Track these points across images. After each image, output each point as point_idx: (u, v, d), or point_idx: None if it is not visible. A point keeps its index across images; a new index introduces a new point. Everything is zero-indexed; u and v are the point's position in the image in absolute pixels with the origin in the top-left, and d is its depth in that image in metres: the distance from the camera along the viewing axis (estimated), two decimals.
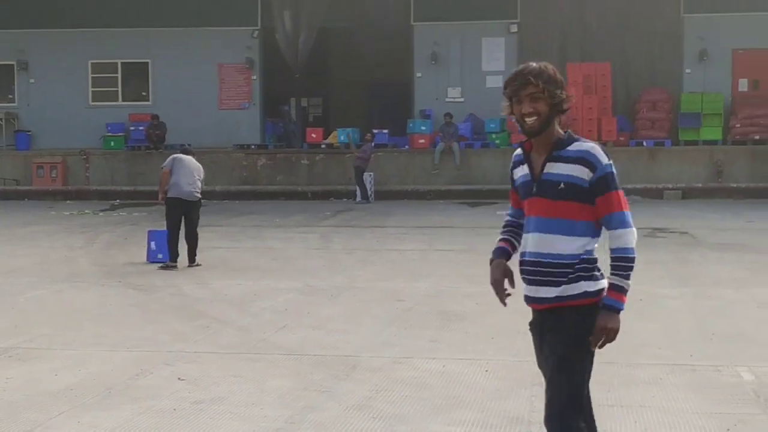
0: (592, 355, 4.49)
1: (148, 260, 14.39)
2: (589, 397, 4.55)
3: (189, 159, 14.35)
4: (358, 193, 25.40)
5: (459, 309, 10.58)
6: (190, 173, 14.15)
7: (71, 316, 10.45)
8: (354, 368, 8.02)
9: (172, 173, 14.06)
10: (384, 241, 17.08)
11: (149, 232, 14.81)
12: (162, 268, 13.79)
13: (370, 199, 25.45)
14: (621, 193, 4.44)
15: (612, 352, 8.41)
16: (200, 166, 14.50)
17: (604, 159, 4.45)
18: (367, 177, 25.97)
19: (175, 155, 14.52)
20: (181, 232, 14.07)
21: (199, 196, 14.26)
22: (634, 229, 4.43)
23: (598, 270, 4.45)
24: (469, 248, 15.94)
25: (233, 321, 10.11)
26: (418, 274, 13.30)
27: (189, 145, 27.82)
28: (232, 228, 19.42)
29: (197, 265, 13.99)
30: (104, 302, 11.32)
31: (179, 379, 7.70)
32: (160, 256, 14.28)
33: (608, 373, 7.77)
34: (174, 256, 13.91)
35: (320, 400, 7.11)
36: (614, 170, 4.46)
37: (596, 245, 4.48)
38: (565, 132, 4.61)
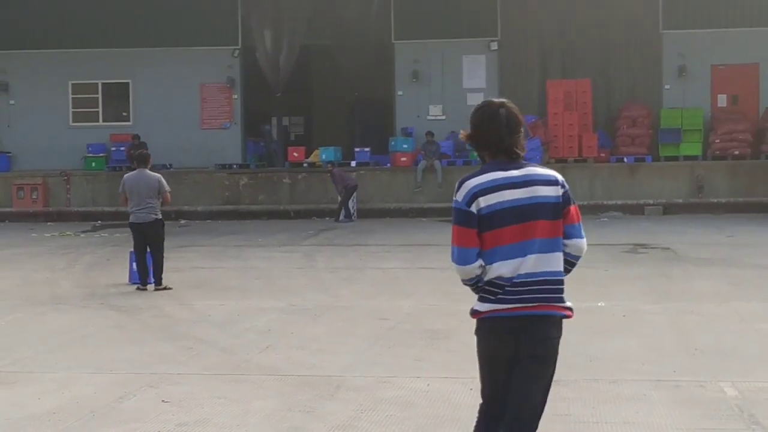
0: None
1: (130, 281, 14.33)
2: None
3: (135, 178, 13.85)
4: (342, 212, 25.38)
5: (443, 327, 10.57)
6: (139, 196, 13.76)
7: (53, 339, 10.40)
8: (338, 388, 8.00)
9: (128, 198, 13.88)
10: (367, 260, 17.08)
11: (131, 253, 14.71)
12: (138, 289, 13.71)
13: (353, 217, 25.45)
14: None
15: (596, 369, 8.46)
16: (155, 178, 13.84)
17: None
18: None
19: (125, 176, 14.18)
20: None
21: (154, 216, 13.79)
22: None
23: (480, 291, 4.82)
24: (452, 266, 15.90)
25: (216, 342, 10.07)
26: (402, 292, 13.29)
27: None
28: (214, 248, 19.37)
29: (165, 288, 13.60)
30: (86, 324, 11.27)
31: (163, 401, 7.67)
32: None
33: (592, 390, 7.79)
34: (142, 279, 13.72)
35: (305, 421, 7.10)
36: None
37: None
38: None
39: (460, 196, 4.74)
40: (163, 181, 13.92)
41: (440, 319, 11.05)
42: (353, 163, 27.60)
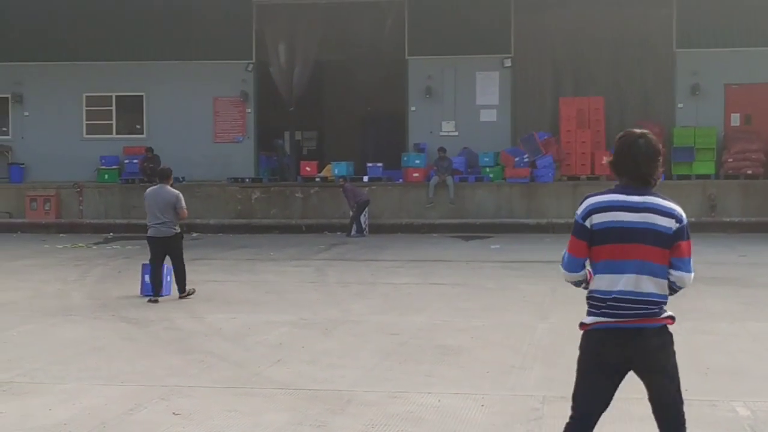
0: None
1: (141, 294, 14.35)
2: None
3: (154, 193, 14.09)
4: (354, 227, 25.38)
5: (454, 343, 10.56)
6: (153, 212, 13.99)
7: (64, 350, 10.41)
8: (349, 403, 8.00)
9: (146, 211, 14.17)
10: (378, 275, 17.07)
11: (143, 265, 14.75)
12: (149, 301, 13.81)
13: (365, 232, 25.44)
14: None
15: None
16: (173, 195, 14.00)
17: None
18: None
19: (147, 190, 14.43)
20: None
21: (169, 230, 13.96)
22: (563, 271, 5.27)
23: (587, 304, 5.22)
24: (463, 282, 15.93)
25: (227, 355, 10.08)
26: (413, 307, 13.28)
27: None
28: (226, 261, 19.39)
29: (188, 294, 14.03)
30: (98, 336, 11.28)
31: (174, 413, 7.67)
32: None
33: None
34: (155, 290, 13.87)
35: None
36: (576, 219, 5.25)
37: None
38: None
39: (579, 210, 5.20)
40: (181, 198, 14.08)
41: (451, 335, 11.03)
42: (365, 179, 27.63)
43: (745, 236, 24.05)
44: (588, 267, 5.20)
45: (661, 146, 5.24)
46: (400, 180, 27.79)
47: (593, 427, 5.22)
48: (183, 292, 14.07)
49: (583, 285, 5.24)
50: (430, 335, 11.10)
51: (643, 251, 5.03)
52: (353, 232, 25.21)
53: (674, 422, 5.20)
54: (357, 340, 10.85)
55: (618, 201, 5.10)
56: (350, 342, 10.78)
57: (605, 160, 5.35)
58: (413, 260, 19.37)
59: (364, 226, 25.59)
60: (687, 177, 26.71)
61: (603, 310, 5.07)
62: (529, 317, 12.33)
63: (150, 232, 14.06)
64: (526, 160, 27.08)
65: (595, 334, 5.12)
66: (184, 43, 29.85)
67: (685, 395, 8.24)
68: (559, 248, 19.01)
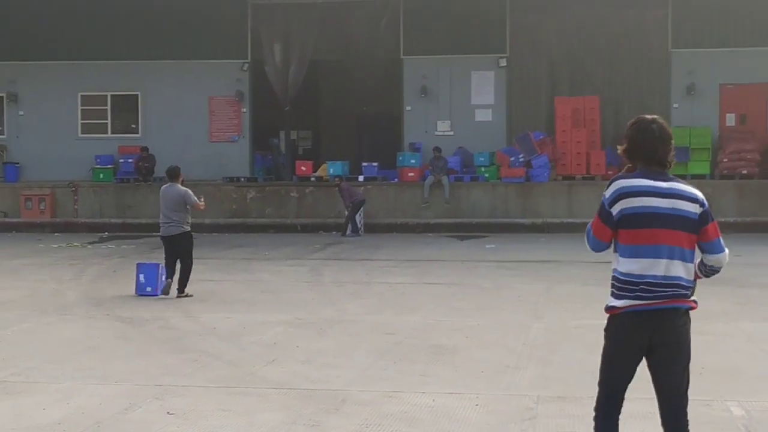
0: None
1: (136, 293, 14.35)
2: None
3: (165, 192, 14.48)
4: (349, 226, 25.37)
5: (449, 343, 10.56)
6: (163, 212, 14.42)
7: (59, 349, 10.40)
8: (343, 402, 8.00)
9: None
10: (373, 275, 17.07)
11: (138, 264, 14.78)
12: (162, 293, 14.17)
13: (360, 232, 25.44)
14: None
15: None
16: (180, 193, 14.36)
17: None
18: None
19: (162, 188, 14.76)
20: None
21: (177, 229, 14.29)
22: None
23: (613, 287, 5.31)
24: (458, 282, 15.94)
25: (222, 355, 10.07)
26: (408, 307, 13.28)
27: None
28: (221, 261, 19.38)
29: (185, 296, 14.12)
30: (92, 335, 11.27)
31: (168, 413, 7.67)
32: (149, 289, 14.29)
33: None
34: (169, 273, 14.31)
35: None
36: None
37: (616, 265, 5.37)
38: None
39: (607, 194, 5.28)
40: (190, 193, 14.40)
41: (446, 335, 11.03)
42: (361, 178, 27.63)
43: (740, 236, 24.02)
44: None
45: (671, 131, 5.37)
46: (396, 179, 27.79)
47: (622, 404, 5.39)
48: (182, 292, 14.15)
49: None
50: (424, 335, 11.10)
51: (673, 236, 5.16)
52: (348, 232, 25.20)
53: (678, 404, 5.30)
54: (352, 340, 10.85)
55: (647, 186, 5.20)
56: (345, 341, 10.78)
57: (619, 148, 5.41)
58: (408, 260, 19.37)
59: (359, 225, 25.58)
60: (682, 177, 26.19)
61: (637, 293, 5.17)
62: (524, 317, 12.33)
63: (160, 231, 14.57)
64: (521, 159, 27.08)
65: (628, 317, 5.21)
66: (180, 43, 29.82)
67: None
68: (554, 248, 19.12)
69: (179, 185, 14.55)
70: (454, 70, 28.91)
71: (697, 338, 10.76)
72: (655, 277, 5.15)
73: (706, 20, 28.06)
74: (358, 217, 25.60)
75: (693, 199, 5.23)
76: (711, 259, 5.29)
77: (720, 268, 5.34)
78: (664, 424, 5.34)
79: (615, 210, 5.22)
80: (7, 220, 28.17)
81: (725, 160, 26.73)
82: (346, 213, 25.48)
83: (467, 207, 26.95)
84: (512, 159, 27.13)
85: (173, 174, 14.74)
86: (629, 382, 5.37)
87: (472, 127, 28.72)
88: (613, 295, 5.27)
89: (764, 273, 16.91)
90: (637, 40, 28.39)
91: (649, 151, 5.25)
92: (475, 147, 28.02)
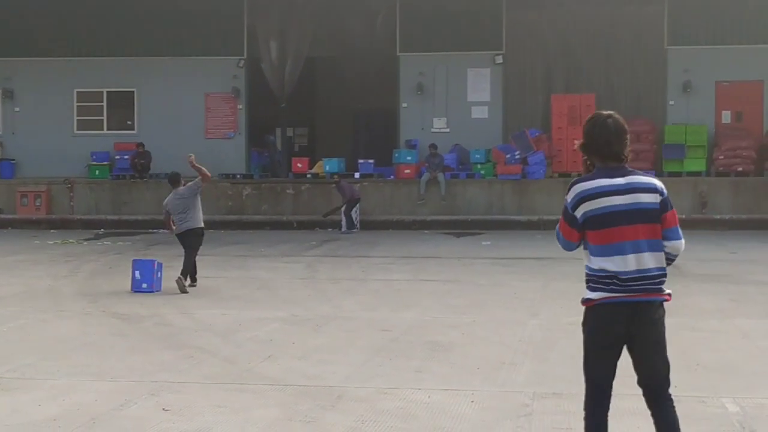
0: None
1: (132, 289, 14.35)
2: None
3: (172, 199, 15.08)
4: (344, 222, 25.39)
5: (444, 339, 10.57)
6: (179, 212, 15.02)
7: (55, 346, 10.39)
8: (339, 399, 8.00)
9: (173, 215, 15.10)
10: (369, 271, 17.07)
11: (134, 261, 14.78)
12: (189, 286, 14.62)
13: (356, 228, 25.44)
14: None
15: None
16: (182, 192, 15.07)
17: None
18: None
19: (165, 201, 15.39)
20: None
21: (194, 225, 15.06)
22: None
23: (588, 282, 5.43)
24: (454, 278, 15.95)
25: (218, 351, 10.07)
26: (404, 304, 13.29)
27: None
28: (217, 257, 19.37)
29: (193, 285, 14.77)
30: (88, 332, 11.27)
31: (164, 409, 7.66)
32: (144, 285, 14.28)
33: None
34: (191, 276, 14.91)
35: (305, 431, 7.09)
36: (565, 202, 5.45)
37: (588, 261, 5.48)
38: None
39: (569, 198, 5.40)
40: (192, 184, 15.16)
41: (442, 331, 11.04)
42: (357, 175, 27.64)
43: (735, 233, 24.10)
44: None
45: (626, 125, 5.45)
46: (392, 176, 27.81)
47: (610, 396, 5.50)
48: (193, 281, 14.85)
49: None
50: (420, 331, 11.10)
51: (637, 230, 5.29)
52: (344, 228, 25.21)
53: (661, 392, 5.45)
54: (348, 337, 10.85)
55: (605, 186, 5.31)
56: (341, 338, 10.78)
57: (576, 144, 5.58)
58: (404, 257, 19.38)
59: (355, 222, 25.60)
60: (678, 174, 26.75)
61: (611, 287, 5.30)
62: (520, 314, 12.34)
63: (175, 230, 15.12)
64: (517, 156, 27.10)
65: (603, 308, 5.33)
66: (176, 39, 29.81)
67: (674, 391, 8.26)
68: (551, 245, 19.04)
69: (181, 187, 15.15)
70: (451, 67, 28.92)
71: (693, 335, 10.85)
72: (627, 272, 5.28)
73: (702, 17, 28.10)
74: (354, 214, 25.62)
75: (652, 190, 5.35)
76: (668, 246, 5.38)
77: (676, 254, 5.43)
78: (651, 407, 5.48)
79: (578, 213, 5.35)
80: (2, 216, 28.16)
81: (721, 157, 26.77)
82: (343, 209, 25.49)
83: (463, 204, 26.97)
84: (508, 156, 27.15)
85: (173, 181, 15.32)
86: (613, 375, 5.45)
87: (468, 124, 28.72)
88: (588, 288, 5.38)
89: (759, 270, 16.93)
90: (633, 37, 28.42)
91: (604, 145, 5.35)
92: (471, 144, 28.04)
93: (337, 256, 19.91)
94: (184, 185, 15.20)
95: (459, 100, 28.95)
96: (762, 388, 8.39)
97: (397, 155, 28.16)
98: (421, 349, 10.09)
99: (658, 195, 5.36)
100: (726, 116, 28.29)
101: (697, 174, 26.67)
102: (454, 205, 26.97)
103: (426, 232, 25.34)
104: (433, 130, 28.92)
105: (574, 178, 5.47)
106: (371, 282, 15.63)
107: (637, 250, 5.28)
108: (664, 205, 5.38)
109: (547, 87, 28.91)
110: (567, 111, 27.62)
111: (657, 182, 5.42)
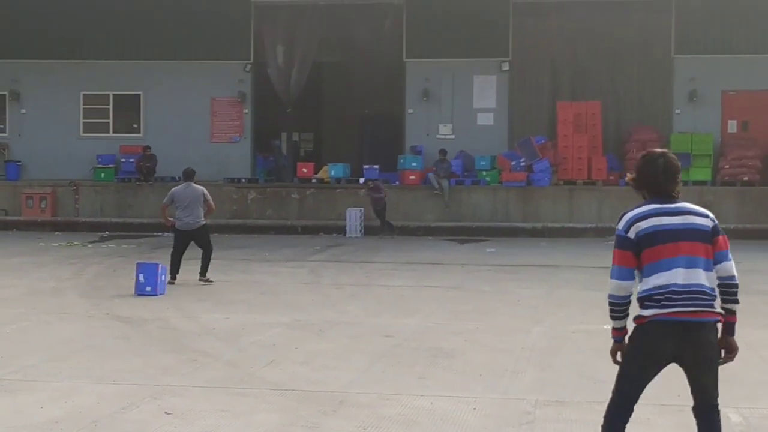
0: None
1: (136, 293, 14.35)
2: None
3: (184, 190, 15.80)
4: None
5: (447, 346, 10.55)
6: (185, 206, 15.69)
7: (58, 348, 10.40)
8: (341, 404, 7.99)
9: (175, 207, 15.81)
10: (373, 277, 17.07)
11: (138, 264, 14.77)
12: (168, 282, 14.94)
13: (360, 233, 25.52)
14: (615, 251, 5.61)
15: (600, 391, 8.43)
16: (200, 191, 15.82)
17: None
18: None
19: (174, 189, 16.10)
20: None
21: (200, 222, 15.77)
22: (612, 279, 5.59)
23: (641, 303, 5.53)
24: (458, 285, 15.94)
25: (221, 355, 10.07)
26: (407, 310, 13.28)
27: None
28: (221, 261, 19.34)
29: (207, 281, 15.53)
30: (91, 334, 11.27)
31: (166, 413, 7.66)
32: (148, 288, 14.28)
33: (595, 412, 7.75)
34: (173, 273, 15.45)
35: None
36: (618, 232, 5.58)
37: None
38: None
39: (620, 225, 5.56)
40: (207, 193, 15.95)
41: (445, 338, 11.03)
42: (362, 181, 27.63)
43: (740, 243, 23.97)
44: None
45: (679, 164, 5.71)
46: (397, 182, 27.80)
47: (632, 410, 5.63)
48: (203, 276, 15.61)
49: (627, 302, 5.57)
50: (423, 338, 11.09)
51: (690, 247, 5.44)
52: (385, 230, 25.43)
53: (710, 408, 5.56)
54: (351, 342, 10.84)
55: (656, 209, 5.52)
56: (344, 343, 10.77)
57: (628, 176, 5.80)
58: (408, 263, 19.36)
59: (361, 227, 25.80)
60: (684, 183, 26.55)
61: (662, 303, 5.39)
62: (524, 321, 12.32)
63: (178, 225, 15.80)
64: (522, 163, 27.09)
65: (654, 325, 5.41)
66: (183, 43, 29.83)
67: (677, 401, 8.27)
68: (555, 253, 19.10)
69: (195, 184, 15.93)
70: (457, 74, 28.92)
71: None
72: (677, 285, 5.38)
73: (709, 26, 28.07)
74: (357, 220, 25.73)
75: (703, 215, 5.57)
76: (721, 268, 5.52)
77: (730, 277, 5.57)
78: (696, 417, 5.61)
79: (632, 234, 5.48)
80: (7, 218, 28.20)
81: (726, 166, 26.73)
82: (378, 214, 25.54)
83: (468, 210, 26.95)
84: (513, 163, 27.14)
85: (190, 175, 16.10)
86: (642, 391, 5.60)
87: (473, 130, 28.71)
88: (641, 307, 5.48)
89: (764, 280, 16.91)
90: (639, 46, 28.39)
91: (654, 183, 5.59)
92: (477, 150, 28.03)
93: (341, 261, 19.90)
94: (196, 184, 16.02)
95: (465, 106, 28.94)
96: (765, 398, 8.37)
97: (402, 161, 28.16)
98: (423, 355, 10.08)
99: (710, 220, 5.56)
100: (732, 125, 28.26)
101: (703, 183, 26.63)
102: (458, 211, 26.96)
103: (430, 238, 25.34)
104: (438, 136, 28.92)
105: (624, 211, 5.60)
106: (375, 287, 15.62)
107: (692, 265, 5.42)
108: (716, 229, 5.56)
109: (553, 94, 28.89)
110: (573, 118, 27.59)
111: (707, 211, 5.63)
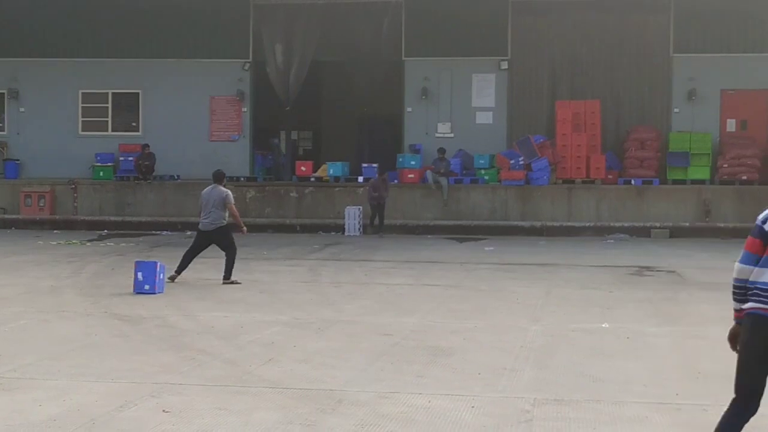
0: None
1: (134, 291, 14.34)
2: None
3: (209, 192, 16.04)
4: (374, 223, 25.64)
5: (446, 344, 10.55)
6: (207, 207, 15.94)
7: (56, 346, 10.39)
8: (340, 402, 7.99)
9: (200, 208, 16.15)
10: (372, 275, 17.07)
11: (136, 262, 14.77)
12: (169, 277, 15.15)
13: (359, 232, 25.51)
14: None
15: (598, 390, 8.44)
16: (223, 193, 15.99)
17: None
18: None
19: (203, 191, 16.32)
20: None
21: (220, 223, 15.97)
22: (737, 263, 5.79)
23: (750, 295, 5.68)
24: (456, 284, 15.93)
25: (219, 353, 10.06)
26: (406, 308, 13.27)
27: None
28: (220, 260, 19.31)
29: (232, 282, 15.54)
30: (89, 333, 11.26)
31: (164, 411, 7.66)
32: (147, 287, 14.28)
33: (594, 411, 7.76)
34: (179, 268, 15.68)
35: None
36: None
37: None
38: None
39: (760, 216, 5.83)
40: (230, 195, 16.19)
41: (444, 337, 11.03)
42: (360, 179, 27.64)
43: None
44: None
45: None
46: (395, 181, 27.79)
47: (753, 411, 5.66)
48: (227, 279, 15.61)
49: (745, 285, 5.68)
50: (422, 336, 11.09)
51: None
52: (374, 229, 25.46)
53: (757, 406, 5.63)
54: (349, 341, 10.84)
55: None
56: (342, 342, 10.77)
57: None
58: (407, 261, 19.36)
59: (359, 225, 25.80)
60: (682, 182, 26.75)
61: (761, 298, 5.51)
62: (522, 319, 12.32)
63: (200, 226, 16.06)
64: (521, 162, 27.09)
65: (750, 318, 5.55)
66: (181, 42, 29.83)
67: (675, 399, 8.28)
68: (554, 251, 19.15)
69: (221, 187, 16.13)
70: (455, 73, 28.93)
71: (695, 343, 10.83)
72: None
73: (708, 25, 28.09)
74: (355, 218, 25.74)
75: None
76: None
77: None
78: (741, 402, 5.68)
79: (766, 226, 5.73)
80: (6, 216, 28.21)
81: (725, 165, 26.74)
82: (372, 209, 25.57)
83: (467, 209, 26.96)
84: (512, 162, 27.14)
85: (217, 177, 16.41)
86: (760, 389, 5.62)
87: (472, 129, 28.72)
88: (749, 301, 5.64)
89: None
90: (638, 45, 28.40)
91: None
92: (476, 149, 28.04)
93: (340, 260, 19.90)
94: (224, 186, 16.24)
95: (463, 105, 28.95)
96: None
97: (400, 160, 28.16)
98: (422, 354, 10.08)
99: None
100: (731, 124, 28.27)
101: (701, 182, 26.65)
102: (457, 210, 26.96)
103: (429, 236, 25.33)
104: (437, 135, 28.93)
105: None
106: (374, 286, 15.62)
107: None
108: None
109: (552, 93, 28.89)
110: (571, 117, 27.59)
111: None
